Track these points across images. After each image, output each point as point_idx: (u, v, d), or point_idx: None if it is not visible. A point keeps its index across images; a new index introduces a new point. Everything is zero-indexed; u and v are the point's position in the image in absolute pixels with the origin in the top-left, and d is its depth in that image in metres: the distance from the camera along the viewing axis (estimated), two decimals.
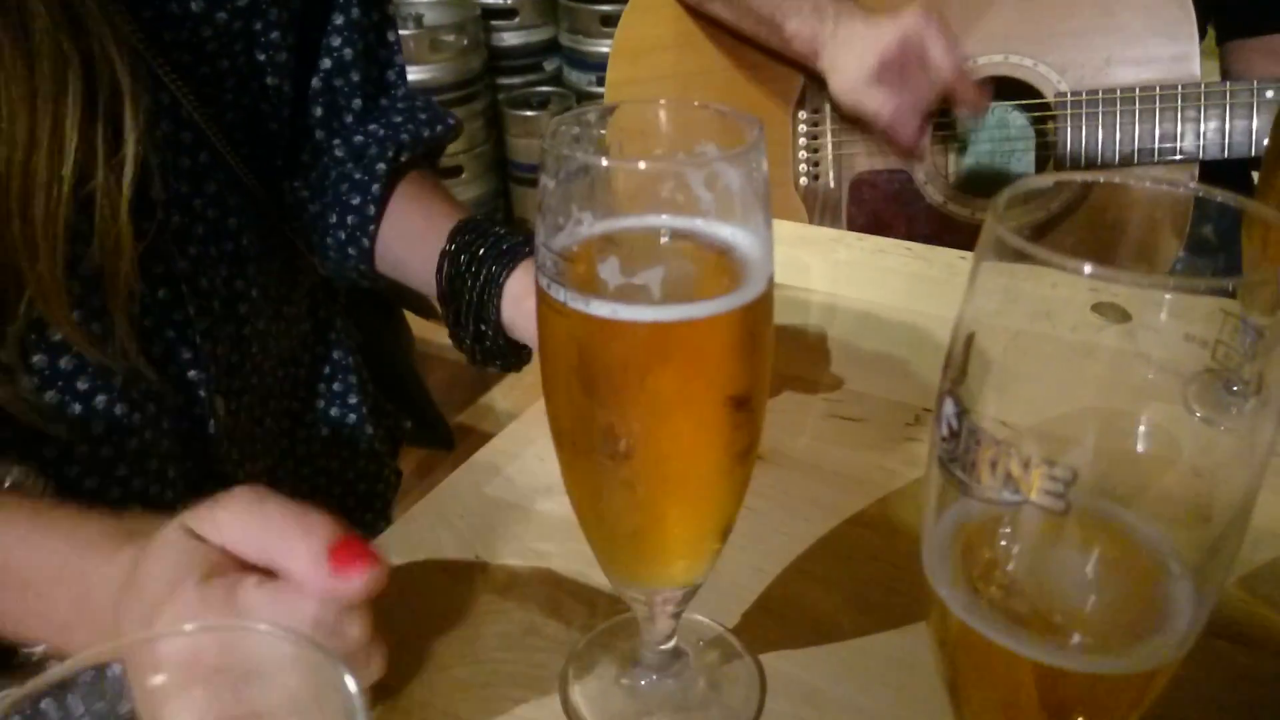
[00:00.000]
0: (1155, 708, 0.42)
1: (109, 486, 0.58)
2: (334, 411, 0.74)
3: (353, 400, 0.75)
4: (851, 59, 0.96)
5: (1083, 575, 0.28)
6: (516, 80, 2.56)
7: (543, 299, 0.35)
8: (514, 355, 0.64)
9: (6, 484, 0.48)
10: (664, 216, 0.35)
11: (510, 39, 2.53)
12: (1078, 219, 0.35)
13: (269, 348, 0.68)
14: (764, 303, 0.35)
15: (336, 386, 0.75)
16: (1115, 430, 0.28)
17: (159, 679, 0.24)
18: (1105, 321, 0.27)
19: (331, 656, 0.21)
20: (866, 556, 0.52)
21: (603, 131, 0.36)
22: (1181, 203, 0.30)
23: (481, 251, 0.62)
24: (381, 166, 0.68)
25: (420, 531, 0.55)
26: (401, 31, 2.38)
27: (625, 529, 0.38)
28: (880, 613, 0.48)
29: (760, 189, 0.34)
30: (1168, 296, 0.26)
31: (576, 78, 2.52)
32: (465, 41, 2.39)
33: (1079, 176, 0.30)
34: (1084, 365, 0.29)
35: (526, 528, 0.55)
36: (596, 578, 0.50)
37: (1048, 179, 0.30)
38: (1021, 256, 0.26)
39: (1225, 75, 1.05)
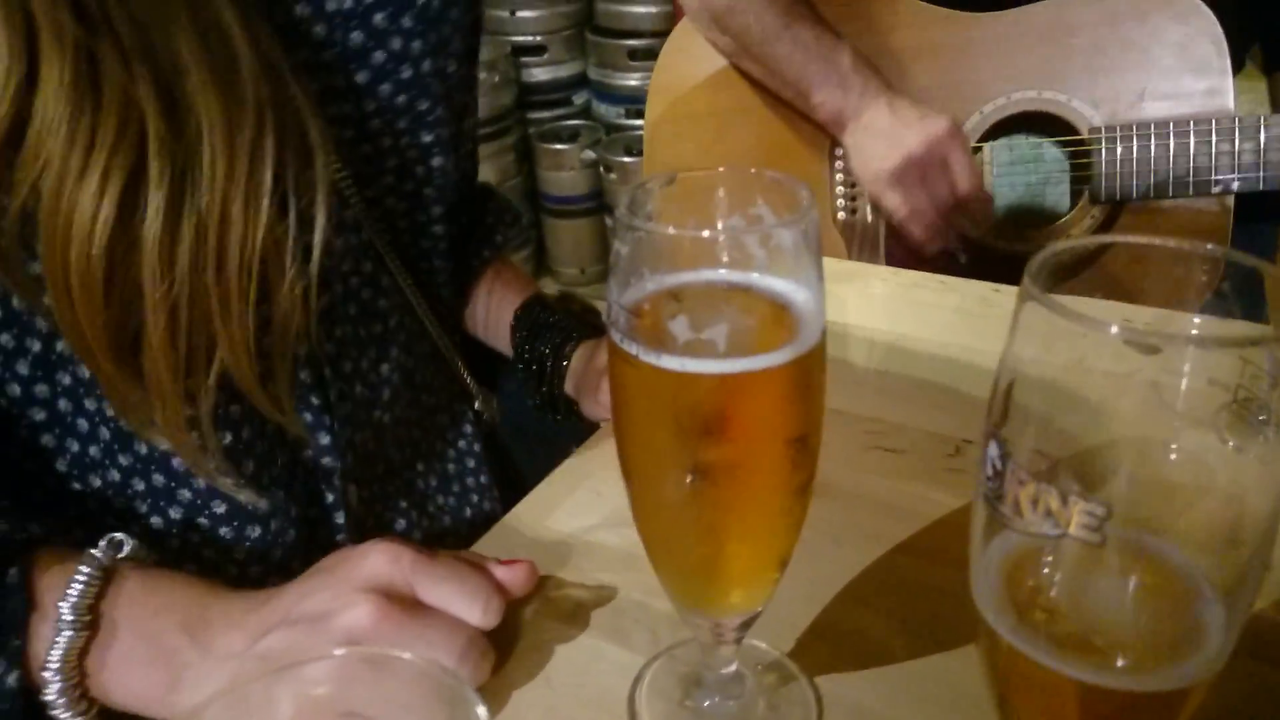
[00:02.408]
0: None
1: (231, 577, 0.57)
2: (453, 500, 0.72)
3: (474, 494, 0.73)
4: (874, 148, 1.00)
5: (1121, 600, 0.31)
6: (546, 114, 2.62)
7: (615, 352, 0.38)
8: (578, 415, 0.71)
9: (124, 553, 0.48)
10: (723, 273, 0.38)
11: (540, 74, 2.59)
12: (1109, 268, 0.38)
13: (403, 436, 0.67)
14: (818, 352, 0.38)
15: (464, 476, 0.73)
16: (1148, 461, 0.31)
17: (319, 690, 0.27)
18: (1138, 356, 0.30)
19: (467, 686, 0.25)
20: (914, 583, 0.54)
21: (667, 197, 0.39)
22: (1210, 262, 0.33)
23: (542, 338, 0.70)
24: (474, 263, 0.75)
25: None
26: None
27: (693, 560, 0.41)
28: (929, 636, 0.50)
29: (813, 247, 0.38)
30: (1192, 349, 0.29)
31: (605, 110, 2.57)
32: (496, 78, 2.45)
33: (1106, 239, 0.33)
34: (1117, 402, 0.31)
35: (588, 559, 0.58)
36: (658, 605, 0.53)
37: (1080, 243, 0.32)
38: (1063, 311, 0.29)
39: (1276, 105, 1.07)
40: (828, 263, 0.99)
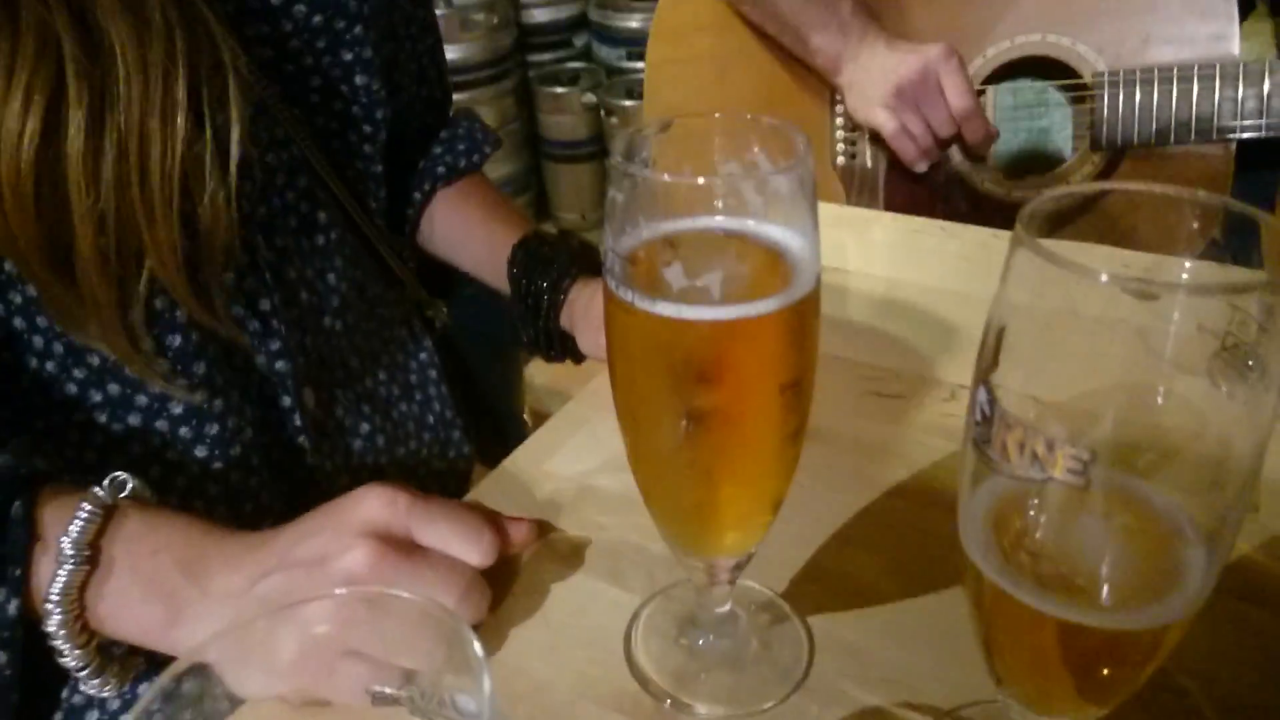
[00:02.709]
0: (1180, 661, 0.46)
1: (194, 474, 0.60)
2: (415, 408, 0.76)
3: (435, 403, 0.77)
4: (869, 81, 0.99)
5: (1104, 542, 0.32)
6: (547, 57, 2.59)
7: (610, 299, 0.39)
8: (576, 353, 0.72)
9: (126, 492, 0.50)
10: (719, 221, 0.38)
11: (540, 15, 2.55)
12: (1105, 215, 0.38)
13: (358, 344, 0.70)
14: (813, 299, 0.38)
15: (425, 386, 0.77)
16: (1135, 407, 0.32)
17: (320, 629, 0.28)
18: (1128, 302, 0.31)
19: (463, 623, 0.25)
20: (906, 525, 0.55)
21: (663, 143, 0.39)
22: (1207, 210, 0.33)
23: (539, 273, 0.70)
24: (416, 196, 0.76)
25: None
26: None
27: (688, 503, 0.42)
28: (919, 577, 0.51)
29: (809, 194, 0.38)
30: (1182, 295, 0.29)
31: (606, 53, 2.54)
32: (495, 20, 2.41)
33: (1102, 186, 0.33)
34: (1106, 348, 0.32)
35: (587, 502, 0.59)
36: (654, 548, 0.54)
37: (1073, 190, 0.33)
38: (1054, 258, 0.29)
39: None
40: (828, 208, 0.99)
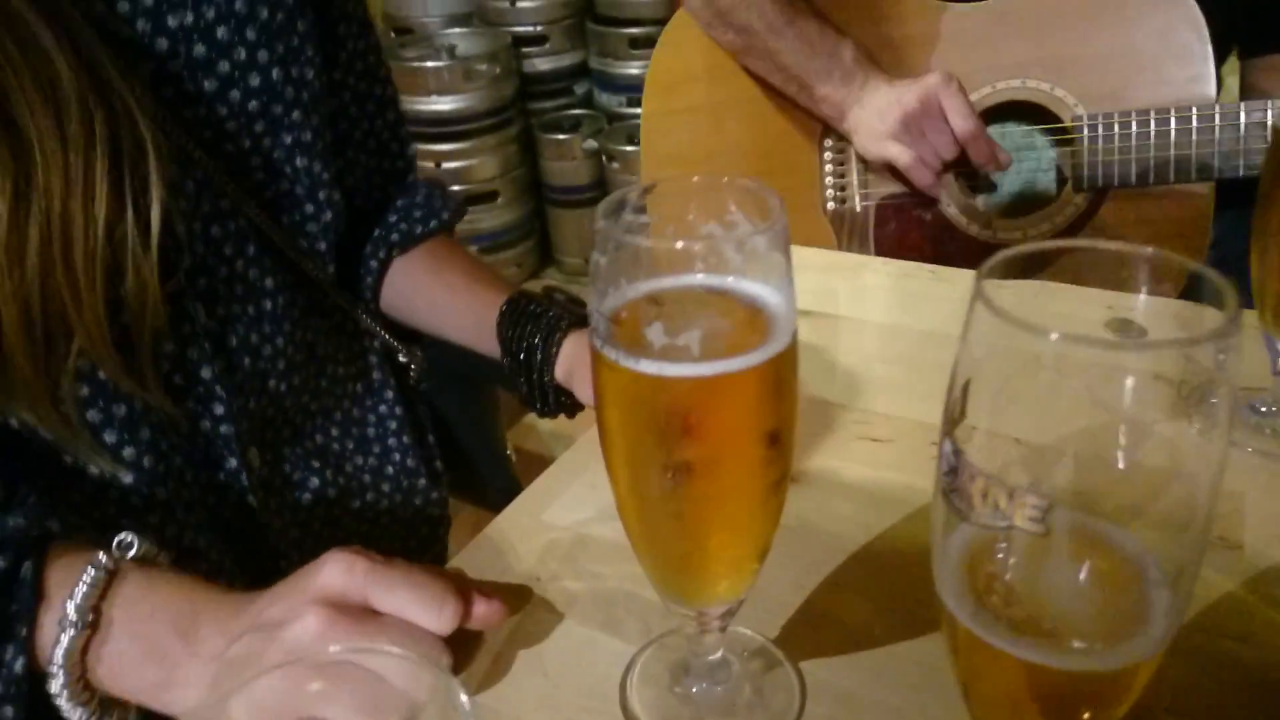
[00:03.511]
0: (1163, 699, 0.46)
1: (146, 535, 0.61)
2: (373, 460, 0.77)
3: (396, 453, 0.78)
4: (877, 118, 1.02)
5: (1071, 585, 0.33)
6: (548, 105, 2.64)
7: (596, 356, 0.40)
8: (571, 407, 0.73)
9: (131, 555, 0.51)
10: (699, 279, 0.40)
11: (541, 64, 2.60)
12: (1068, 267, 0.40)
13: (305, 403, 0.72)
14: (790, 353, 0.40)
15: (385, 438, 0.78)
16: (1095, 455, 0.33)
17: (314, 688, 0.29)
18: (1084, 355, 0.32)
19: (450, 677, 0.27)
20: (895, 569, 0.56)
21: (645, 208, 0.41)
22: (1152, 265, 0.34)
23: (530, 328, 0.72)
24: (373, 264, 0.78)
25: (486, 557, 0.60)
26: (435, 63, 2.47)
27: (675, 554, 0.43)
28: (909, 621, 0.52)
29: (784, 251, 0.39)
30: (1134, 352, 0.31)
31: (607, 100, 2.59)
32: (498, 69, 2.46)
33: (1060, 244, 0.35)
34: (1063, 400, 0.33)
35: (583, 551, 0.60)
36: (648, 596, 0.55)
37: (1030, 248, 0.34)
38: (1008, 317, 0.31)
39: (1245, 93, 1.08)
40: (819, 253, 1.01)
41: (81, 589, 0.48)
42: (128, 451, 0.60)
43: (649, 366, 0.38)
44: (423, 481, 0.78)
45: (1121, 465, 0.33)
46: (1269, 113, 0.92)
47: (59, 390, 0.55)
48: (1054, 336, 0.29)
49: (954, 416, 0.33)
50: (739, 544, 0.43)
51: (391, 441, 0.78)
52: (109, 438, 0.59)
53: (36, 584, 0.49)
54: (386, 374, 0.79)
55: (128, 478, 0.60)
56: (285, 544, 0.69)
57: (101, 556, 0.50)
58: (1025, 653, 0.32)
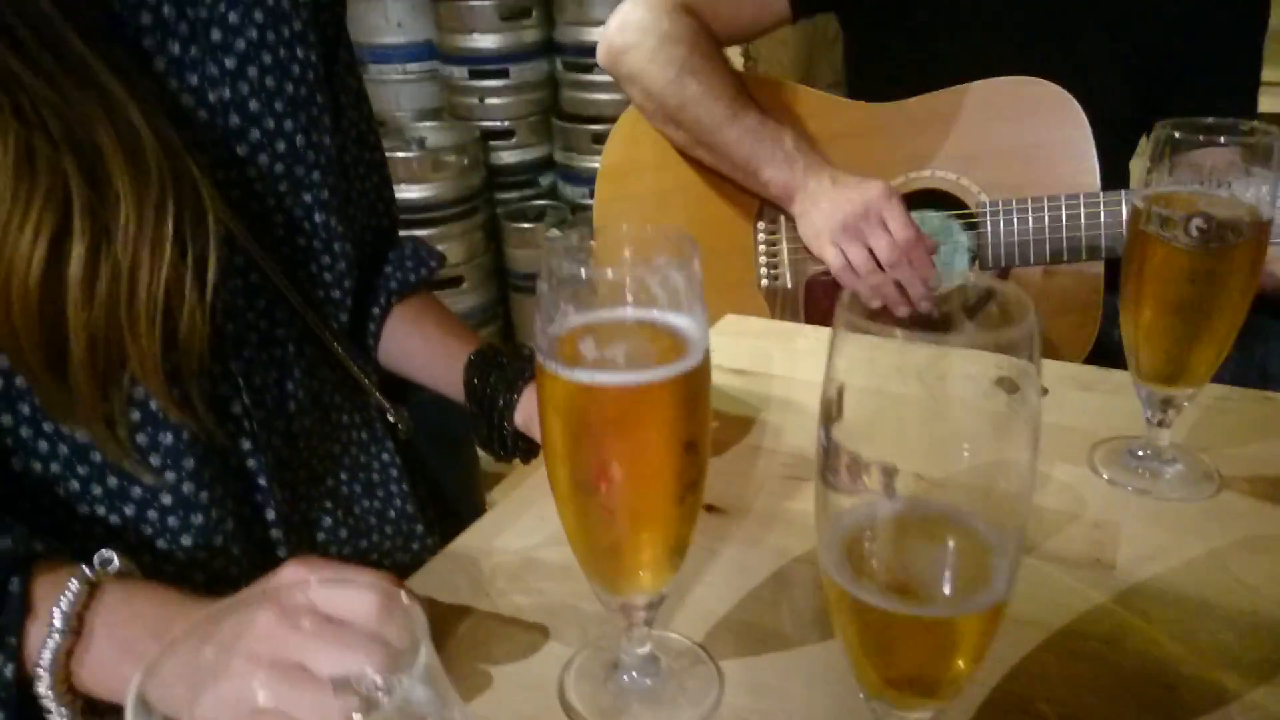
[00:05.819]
0: (1040, 689, 0.53)
1: (180, 562, 0.67)
2: (377, 504, 0.83)
3: (397, 499, 0.84)
4: (819, 214, 1.11)
5: (926, 551, 0.40)
6: (514, 195, 2.74)
7: (540, 371, 0.47)
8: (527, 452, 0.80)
9: (110, 569, 0.56)
10: (629, 311, 0.47)
11: (508, 157, 2.71)
12: None
13: (315, 446, 0.78)
14: (703, 369, 0.47)
15: (387, 484, 0.84)
16: (937, 435, 0.40)
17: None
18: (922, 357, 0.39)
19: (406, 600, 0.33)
20: (806, 585, 0.63)
21: (585, 248, 0.49)
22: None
23: (494, 378, 0.80)
24: (375, 310, 0.86)
25: (441, 577, 0.66)
26: (406, 154, 2.57)
27: (604, 544, 0.49)
28: (816, 625, 0.59)
29: (696, 286, 0.47)
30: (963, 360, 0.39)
31: (570, 191, 2.69)
32: (466, 161, 2.57)
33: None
34: (909, 396, 0.40)
35: (529, 572, 0.66)
36: (587, 607, 0.61)
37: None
38: (865, 331, 0.39)
39: (1153, 156, 1.19)
40: (757, 322, 1.09)
41: (66, 598, 0.53)
42: (170, 475, 0.65)
43: (583, 375, 0.45)
44: (419, 526, 0.84)
45: (954, 448, 0.40)
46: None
47: (114, 413, 0.62)
48: (899, 334, 0.36)
49: (830, 415, 0.41)
50: (661, 536, 0.49)
51: (393, 488, 0.83)
52: (154, 461, 0.65)
53: (24, 597, 0.54)
54: (385, 426, 0.85)
55: (167, 499, 0.66)
56: None
57: (85, 570, 0.55)
58: (888, 605, 0.39)
